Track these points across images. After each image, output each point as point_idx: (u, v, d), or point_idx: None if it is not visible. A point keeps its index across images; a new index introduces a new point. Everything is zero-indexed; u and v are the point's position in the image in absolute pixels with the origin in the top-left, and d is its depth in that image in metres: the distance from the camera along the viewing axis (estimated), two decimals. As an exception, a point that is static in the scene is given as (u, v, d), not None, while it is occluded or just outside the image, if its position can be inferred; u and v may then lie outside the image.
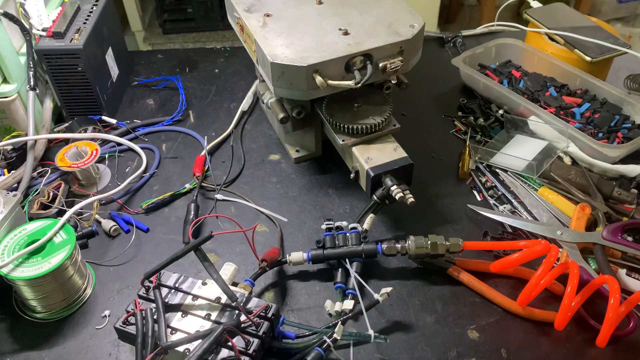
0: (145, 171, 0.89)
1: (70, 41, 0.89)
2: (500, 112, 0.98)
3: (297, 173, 0.90)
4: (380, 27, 0.78)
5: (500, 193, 0.85)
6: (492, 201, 0.84)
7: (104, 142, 0.94)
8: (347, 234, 0.74)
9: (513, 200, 0.84)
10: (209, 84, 1.08)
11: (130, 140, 0.94)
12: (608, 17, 2.60)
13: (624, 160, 0.86)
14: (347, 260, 0.73)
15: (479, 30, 1.23)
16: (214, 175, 0.89)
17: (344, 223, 0.76)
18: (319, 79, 0.73)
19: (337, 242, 0.74)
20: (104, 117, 0.97)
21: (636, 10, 2.71)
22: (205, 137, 0.95)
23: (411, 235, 0.73)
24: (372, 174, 0.75)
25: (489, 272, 0.73)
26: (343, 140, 0.79)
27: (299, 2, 0.84)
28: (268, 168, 0.91)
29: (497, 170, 0.89)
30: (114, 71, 1.02)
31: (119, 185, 0.86)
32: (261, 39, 0.77)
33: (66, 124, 0.94)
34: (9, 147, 0.86)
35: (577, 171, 0.84)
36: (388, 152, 0.78)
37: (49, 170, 0.85)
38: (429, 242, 0.71)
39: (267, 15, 0.81)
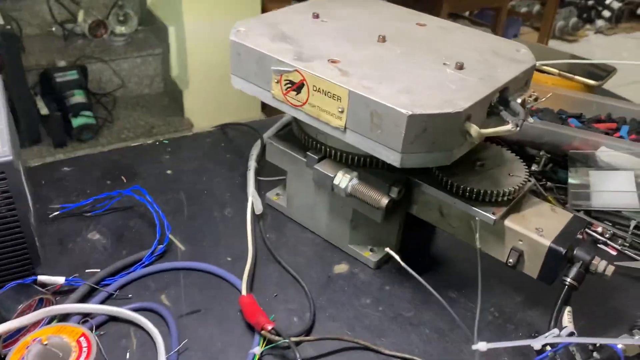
0: (168, 351, 0.51)
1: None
2: (541, 153, 0.85)
3: (388, 283, 0.62)
4: (489, 56, 0.59)
5: (630, 240, 0.70)
6: (628, 251, 0.68)
7: (60, 318, 0.52)
8: (571, 348, 0.49)
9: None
10: (169, 191, 0.73)
11: (103, 303, 0.55)
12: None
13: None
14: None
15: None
16: (277, 318, 0.56)
17: (555, 331, 0.51)
18: (474, 129, 0.50)
19: (566, 363, 0.48)
20: (40, 277, 0.55)
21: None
22: (218, 266, 0.61)
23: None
24: (561, 250, 0.52)
25: None
26: (493, 213, 0.55)
27: (356, 44, 0.59)
28: (345, 286, 0.61)
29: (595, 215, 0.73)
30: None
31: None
32: (362, 90, 0.50)
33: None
34: None
35: (687, 194, 0.74)
36: (550, 216, 0.56)
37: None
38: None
39: (333, 62, 0.55)
